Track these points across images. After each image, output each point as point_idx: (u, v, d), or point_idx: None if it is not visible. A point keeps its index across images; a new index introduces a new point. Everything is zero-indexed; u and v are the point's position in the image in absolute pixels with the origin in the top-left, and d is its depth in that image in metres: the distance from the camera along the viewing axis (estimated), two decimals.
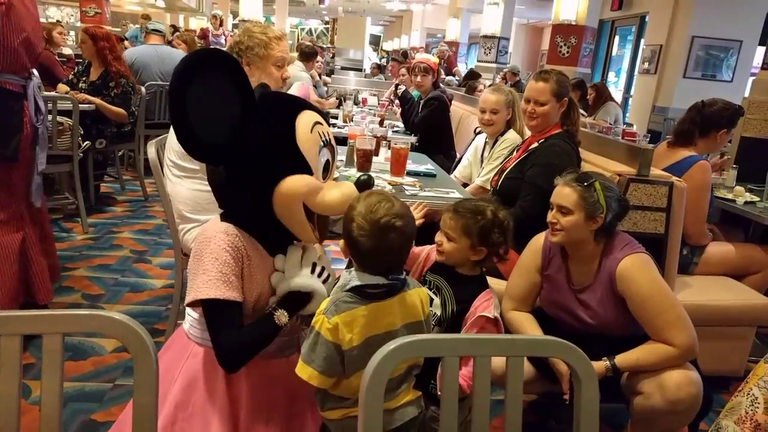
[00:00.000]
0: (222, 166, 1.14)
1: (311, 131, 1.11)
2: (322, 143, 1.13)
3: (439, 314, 1.44)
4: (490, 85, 3.86)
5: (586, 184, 1.66)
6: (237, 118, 1.08)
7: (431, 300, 1.46)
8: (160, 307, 2.71)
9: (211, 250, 1.09)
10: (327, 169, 1.17)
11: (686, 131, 2.56)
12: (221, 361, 1.09)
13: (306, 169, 1.11)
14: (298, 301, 1.16)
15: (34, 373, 1.94)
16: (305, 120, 1.11)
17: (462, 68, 11.33)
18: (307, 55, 5.53)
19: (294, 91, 1.61)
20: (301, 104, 1.16)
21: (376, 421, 0.80)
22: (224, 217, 1.17)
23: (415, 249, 1.57)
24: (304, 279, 1.15)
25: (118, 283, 2.96)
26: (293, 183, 1.09)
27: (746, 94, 3.94)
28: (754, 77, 4.34)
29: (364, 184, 1.18)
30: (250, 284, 1.13)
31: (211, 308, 1.09)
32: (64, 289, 2.82)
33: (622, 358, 1.64)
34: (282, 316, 1.11)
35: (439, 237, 1.47)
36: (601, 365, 1.64)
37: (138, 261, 3.27)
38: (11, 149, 2.09)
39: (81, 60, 4.31)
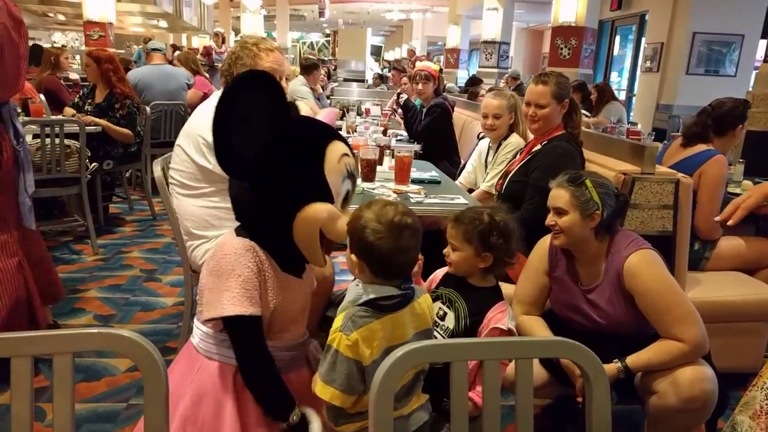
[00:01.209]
0: (248, 182, 1.16)
1: (339, 161, 1.14)
2: (346, 174, 1.16)
3: (451, 327, 1.44)
4: (490, 90, 3.86)
5: (577, 183, 1.66)
6: (269, 137, 1.12)
7: (444, 314, 1.47)
8: (172, 325, 2.72)
9: (232, 267, 1.11)
10: (347, 198, 1.21)
11: (699, 133, 2.55)
12: (243, 373, 1.14)
13: (328, 197, 1.14)
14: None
15: (48, 396, 1.95)
16: (335, 150, 1.15)
17: (464, 75, 11.36)
18: (307, 68, 5.56)
19: (322, 116, 1.65)
20: (333, 134, 1.19)
21: (387, 427, 0.80)
22: (239, 231, 1.19)
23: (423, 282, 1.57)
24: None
25: (129, 302, 2.98)
26: (317, 210, 1.12)
27: (750, 88, 3.92)
28: (757, 71, 4.32)
29: None
30: (265, 300, 1.15)
31: (236, 325, 1.11)
32: (76, 311, 2.84)
33: (634, 359, 1.62)
34: (293, 418, 1.15)
35: (446, 249, 1.48)
36: (612, 367, 1.62)
37: (148, 280, 3.29)
38: None
39: (86, 83, 4.36)
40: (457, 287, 1.49)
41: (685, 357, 1.59)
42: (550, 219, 1.72)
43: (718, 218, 1.52)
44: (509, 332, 1.35)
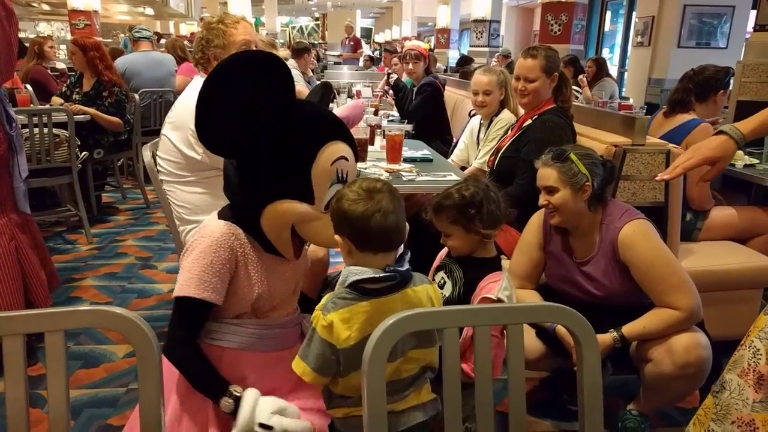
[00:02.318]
0: (236, 160, 1.14)
1: (331, 164, 1.10)
2: (336, 179, 1.12)
3: (447, 295, 1.44)
4: (477, 68, 3.84)
5: (563, 159, 1.67)
6: (265, 120, 1.07)
7: (444, 283, 1.47)
8: (168, 311, 2.70)
9: (201, 249, 1.10)
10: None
11: (681, 99, 2.57)
12: (165, 348, 1.13)
13: (309, 198, 1.10)
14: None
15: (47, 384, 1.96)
16: (330, 152, 1.10)
17: (455, 54, 11.29)
18: (298, 52, 5.51)
19: (345, 109, 1.53)
20: (337, 134, 1.13)
21: (380, 400, 0.80)
22: (222, 213, 1.18)
23: None
24: (244, 412, 1.10)
25: (126, 290, 2.98)
26: (288, 208, 1.09)
27: (741, 59, 3.91)
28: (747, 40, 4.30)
29: None
30: (248, 283, 1.13)
31: (181, 303, 1.12)
32: (73, 300, 2.84)
33: (629, 328, 1.64)
34: (225, 403, 1.11)
35: (443, 239, 1.48)
36: (608, 337, 1.64)
37: (144, 267, 3.29)
38: None
39: (73, 72, 4.31)
40: (458, 259, 1.49)
41: (679, 324, 1.61)
42: (543, 199, 1.72)
43: (658, 177, 1.54)
44: (498, 302, 1.35)
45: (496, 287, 1.37)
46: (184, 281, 1.09)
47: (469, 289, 1.41)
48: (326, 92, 1.35)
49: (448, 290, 1.45)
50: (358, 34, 12.75)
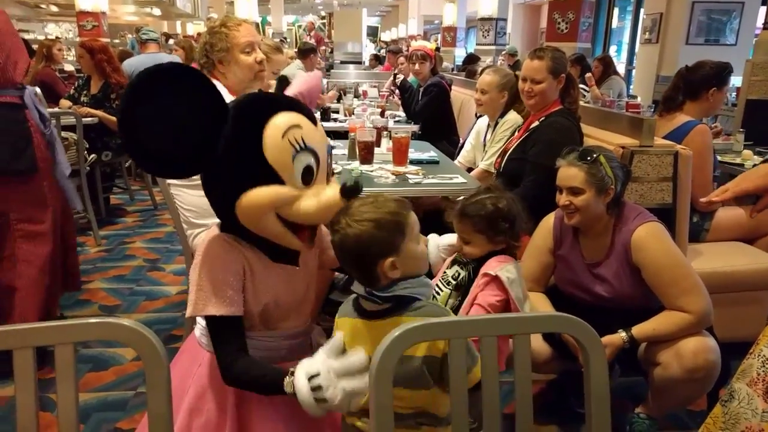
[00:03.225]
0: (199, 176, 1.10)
1: (282, 137, 1.03)
2: (294, 150, 1.04)
3: (456, 281, 1.46)
4: (485, 68, 3.83)
5: (591, 160, 1.65)
6: (207, 128, 1.02)
7: (458, 275, 1.46)
8: (177, 314, 2.74)
9: (207, 265, 1.08)
10: (310, 173, 1.07)
11: (669, 97, 2.54)
12: (222, 375, 1.09)
13: (275, 180, 1.04)
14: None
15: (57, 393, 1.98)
16: (276, 125, 1.03)
17: (461, 53, 11.26)
18: (303, 53, 5.51)
19: (298, 83, 1.49)
20: (276, 106, 1.07)
21: (388, 414, 0.81)
22: (225, 226, 1.16)
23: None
24: (298, 381, 0.99)
25: (134, 292, 3.00)
26: (255, 196, 1.03)
27: (750, 57, 3.88)
28: (757, 38, 4.27)
29: (350, 190, 1.09)
30: (254, 295, 1.12)
31: (210, 323, 1.10)
32: (82, 302, 2.86)
33: (639, 329, 1.64)
34: (288, 386, 1.01)
35: (458, 242, 1.47)
36: (617, 337, 1.64)
37: (152, 269, 3.31)
38: (26, 160, 2.13)
39: (81, 75, 4.34)
40: (463, 261, 1.49)
41: (690, 328, 1.60)
42: (565, 199, 1.70)
43: (704, 200, 1.50)
44: (496, 278, 1.34)
45: (499, 266, 1.37)
46: (201, 300, 1.07)
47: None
48: (281, 84, 1.31)
49: (464, 281, 1.45)
50: (364, 33, 12.73)
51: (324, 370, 0.96)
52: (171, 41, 7.28)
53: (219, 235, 1.13)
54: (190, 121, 1.00)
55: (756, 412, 0.91)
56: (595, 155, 1.66)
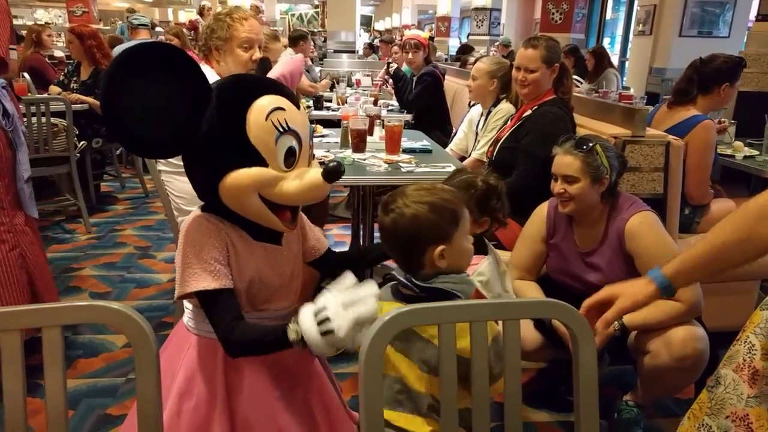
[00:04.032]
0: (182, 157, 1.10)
1: (266, 119, 1.04)
2: (278, 131, 1.05)
3: None
4: (479, 57, 3.82)
5: (587, 149, 1.65)
6: (189, 109, 1.03)
7: None
8: (168, 301, 2.73)
9: (192, 242, 1.08)
10: (293, 155, 1.08)
11: (683, 89, 2.51)
12: (224, 348, 1.09)
13: (258, 161, 1.05)
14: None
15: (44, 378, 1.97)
16: (260, 107, 1.04)
17: (455, 43, 11.23)
18: (294, 40, 5.45)
19: (280, 67, 1.45)
20: (260, 89, 1.08)
21: (377, 399, 0.81)
22: (204, 207, 1.16)
23: None
24: (303, 319, 0.96)
25: (125, 279, 2.98)
26: (238, 177, 1.04)
27: (743, 48, 3.89)
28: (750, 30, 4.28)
29: (332, 171, 1.09)
30: (237, 272, 1.12)
31: (203, 300, 1.09)
32: (72, 290, 2.85)
33: (630, 317, 1.64)
34: (292, 333, 0.98)
35: None
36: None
37: (143, 257, 3.29)
38: None
39: (71, 61, 4.29)
40: None
41: (680, 316, 1.61)
42: (559, 187, 1.71)
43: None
44: None
45: (471, 270, 1.37)
46: (191, 277, 1.06)
47: None
48: (263, 67, 1.31)
49: None
50: (357, 22, 12.66)
51: (332, 304, 0.94)
52: (158, 29, 7.16)
53: (201, 215, 1.13)
54: (172, 101, 1.01)
55: (741, 397, 0.92)
56: (591, 144, 1.66)
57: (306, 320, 0.95)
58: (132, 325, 0.80)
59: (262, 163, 1.05)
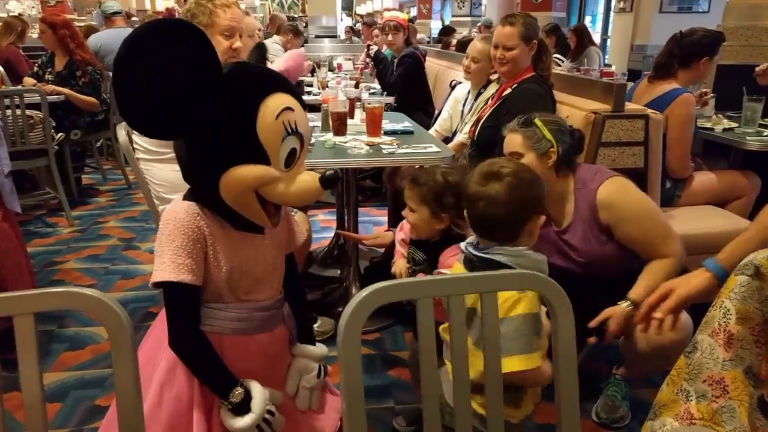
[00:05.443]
0: (183, 140, 1.10)
1: (276, 118, 1.04)
2: (286, 132, 1.05)
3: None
4: (462, 38, 3.80)
5: (527, 124, 1.64)
6: (199, 91, 1.01)
7: (413, 271, 1.47)
8: (153, 291, 2.70)
9: (168, 232, 1.08)
10: (293, 156, 1.08)
11: (665, 63, 2.52)
12: (170, 340, 1.11)
13: (263, 159, 1.05)
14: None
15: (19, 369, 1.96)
16: (272, 105, 1.04)
17: (437, 25, 11.16)
18: (284, 30, 5.35)
19: (283, 61, 1.42)
20: (274, 86, 1.07)
21: (357, 375, 0.81)
22: (186, 195, 1.15)
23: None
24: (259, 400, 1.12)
25: (109, 271, 2.96)
26: (243, 173, 1.04)
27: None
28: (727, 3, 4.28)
29: (329, 180, 1.11)
30: (216, 262, 1.11)
31: (165, 291, 1.10)
32: (55, 283, 2.82)
33: (635, 292, 1.60)
34: (236, 393, 1.11)
35: (405, 211, 1.47)
36: (622, 309, 1.60)
37: (127, 248, 3.27)
38: None
39: (44, 52, 4.20)
40: (417, 243, 1.50)
41: (675, 271, 1.60)
42: None
43: (636, 319, 1.40)
44: None
45: (455, 261, 1.37)
46: (158, 267, 1.07)
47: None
48: (261, 53, 1.31)
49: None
50: (338, 7, 12.55)
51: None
52: (134, 18, 7.03)
53: (181, 203, 1.12)
54: (185, 78, 0.99)
55: (717, 361, 0.94)
56: (532, 118, 1.65)
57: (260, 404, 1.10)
58: (107, 311, 0.80)
59: (266, 160, 1.05)
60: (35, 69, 4.02)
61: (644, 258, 1.65)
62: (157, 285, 1.08)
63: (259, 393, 1.12)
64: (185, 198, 1.13)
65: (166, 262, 1.06)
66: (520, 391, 1.16)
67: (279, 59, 1.32)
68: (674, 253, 1.61)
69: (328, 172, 1.11)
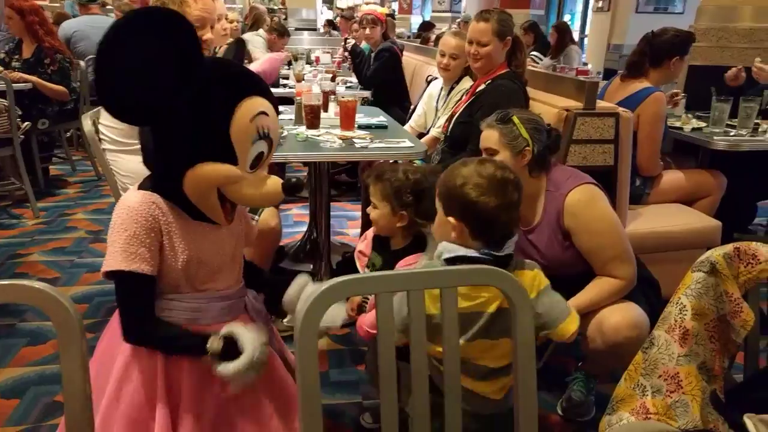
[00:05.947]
0: (149, 127, 1.09)
1: (251, 121, 1.04)
2: (258, 136, 1.06)
3: None
4: (440, 34, 3.79)
5: (505, 121, 1.61)
6: (171, 81, 1.01)
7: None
8: None
9: (121, 221, 1.06)
10: (259, 159, 1.09)
11: (636, 62, 2.55)
12: (123, 332, 1.09)
13: (231, 158, 1.05)
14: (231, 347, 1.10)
15: None
16: (248, 108, 1.04)
17: (418, 20, 11.15)
18: (269, 30, 5.25)
19: (261, 63, 1.41)
20: (252, 88, 1.07)
21: (313, 370, 0.80)
22: (143, 183, 1.13)
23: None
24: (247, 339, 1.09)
25: (75, 264, 2.89)
26: (210, 170, 1.04)
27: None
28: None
29: (291, 187, 1.12)
30: (173, 252, 1.10)
31: (116, 281, 1.08)
32: (17, 276, 2.75)
33: (576, 300, 1.58)
34: (215, 343, 1.09)
35: (369, 207, 1.46)
36: None
37: (94, 241, 3.20)
38: None
39: (12, 38, 4.08)
40: (379, 248, 1.49)
41: (621, 293, 1.60)
42: None
43: None
44: None
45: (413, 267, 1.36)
46: (110, 256, 1.06)
47: None
48: (240, 49, 1.30)
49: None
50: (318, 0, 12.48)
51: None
52: (108, 7, 6.87)
53: (136, 192, 1.10)
54: (165, 65, 1.00)
55: (672, 357, 0.95)
56: (510, 115, 1.62)
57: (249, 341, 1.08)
58: (54, 305, 0.77)
59: (234, 160, 1.06)
60: (1, 56, 3.90)
61: (596, 271, 1.62)
62: (108, 275, 1.06)
63: (243, 333, 1.10)
64: (140, 187, 1.12)
65: (118, 251, 1.04)
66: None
67: (256, 62, 1.29)
68: (626, 277, 1.59)
69: (292, 180, 1.13)
